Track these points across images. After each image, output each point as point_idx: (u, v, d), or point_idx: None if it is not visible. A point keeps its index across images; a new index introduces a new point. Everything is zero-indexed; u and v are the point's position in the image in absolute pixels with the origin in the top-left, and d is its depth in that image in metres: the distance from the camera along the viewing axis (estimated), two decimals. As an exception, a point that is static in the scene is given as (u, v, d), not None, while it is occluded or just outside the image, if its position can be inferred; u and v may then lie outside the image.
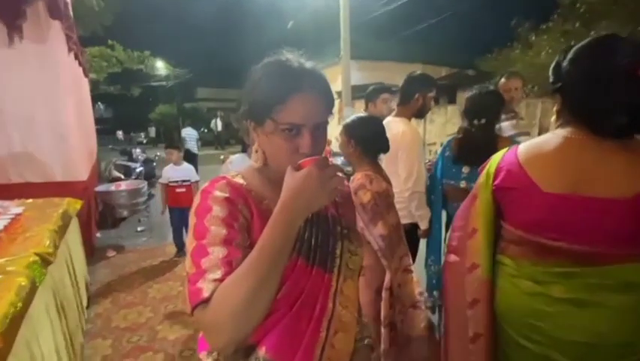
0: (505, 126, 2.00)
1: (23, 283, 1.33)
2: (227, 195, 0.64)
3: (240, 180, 0.69)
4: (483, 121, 1.67)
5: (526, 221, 0.90)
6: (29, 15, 2.98)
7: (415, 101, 1.97)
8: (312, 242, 0.68)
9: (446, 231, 1.97)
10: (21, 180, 3.12)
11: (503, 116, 2.04)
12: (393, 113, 2.08)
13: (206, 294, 0.55)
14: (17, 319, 1.22)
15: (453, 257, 1.08)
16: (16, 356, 1.16)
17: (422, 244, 2.11)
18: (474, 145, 1.67)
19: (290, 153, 0.62)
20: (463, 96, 7.74)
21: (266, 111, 0.62)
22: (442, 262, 1.18)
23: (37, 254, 1.57)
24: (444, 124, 9.60)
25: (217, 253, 0.58)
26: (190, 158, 6.69)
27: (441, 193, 1.94)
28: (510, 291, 0.95)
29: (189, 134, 8.09)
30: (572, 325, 0.84)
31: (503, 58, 9.62)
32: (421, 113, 2.03)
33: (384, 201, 1.29)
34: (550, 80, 0.92)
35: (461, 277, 1.03)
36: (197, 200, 0.65)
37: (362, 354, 0.72)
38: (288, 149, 0.62)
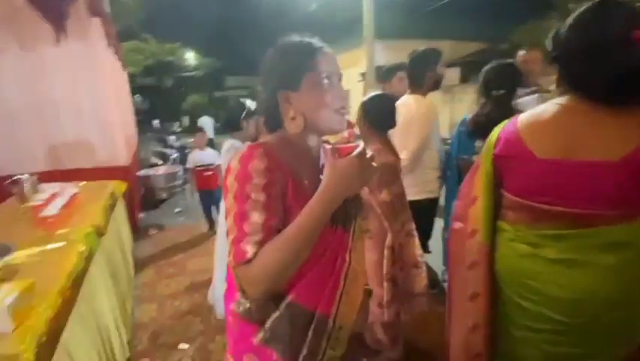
0: (527, 101, 1.94)
1: (82, 249, 1.57)
2: (266, 164, 0.69)
3: (272, 149, 0.73)
4: (502, 92, 1.64)
5: (522, 188, 0.95)
6: (71, 14, 3.26)
7: (427, 79, 1.99)
8: None
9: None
10: (73, 166, 3.49)
11: (524, 92, 1.98)
12: (408, 91, 2.10)
13: (249, 255, 0.64)
14: (80, 277, 1.46)
15: (458, 224, 1.14)
16: (80, 308, 1.39)
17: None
18: (489, 119, 1.67)
19: (330, 100, 0.73)
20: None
21: (301, 71, 0.72)
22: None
23: (92, 226, 1.83)
24: (472, 103, 9.16)
25: (257, 217, 0.65)
26: (208, 143, 7.20)
27: (456, 168, 1.97)
28: (508, 254, 1.01)
29: (205, 122, 8.63)
30: (562, 283, 0.89)
31: (537, 29, 8.93)
32: (436, 87, 2.04)
33: (390, 173, 1.38)
34: (549, 48, 0.94)
35: (463, 242, 1.10)
36: (236, 166, 0.69)
37: (364, 297, 0.84)
38: (327, 97, 0.73)
